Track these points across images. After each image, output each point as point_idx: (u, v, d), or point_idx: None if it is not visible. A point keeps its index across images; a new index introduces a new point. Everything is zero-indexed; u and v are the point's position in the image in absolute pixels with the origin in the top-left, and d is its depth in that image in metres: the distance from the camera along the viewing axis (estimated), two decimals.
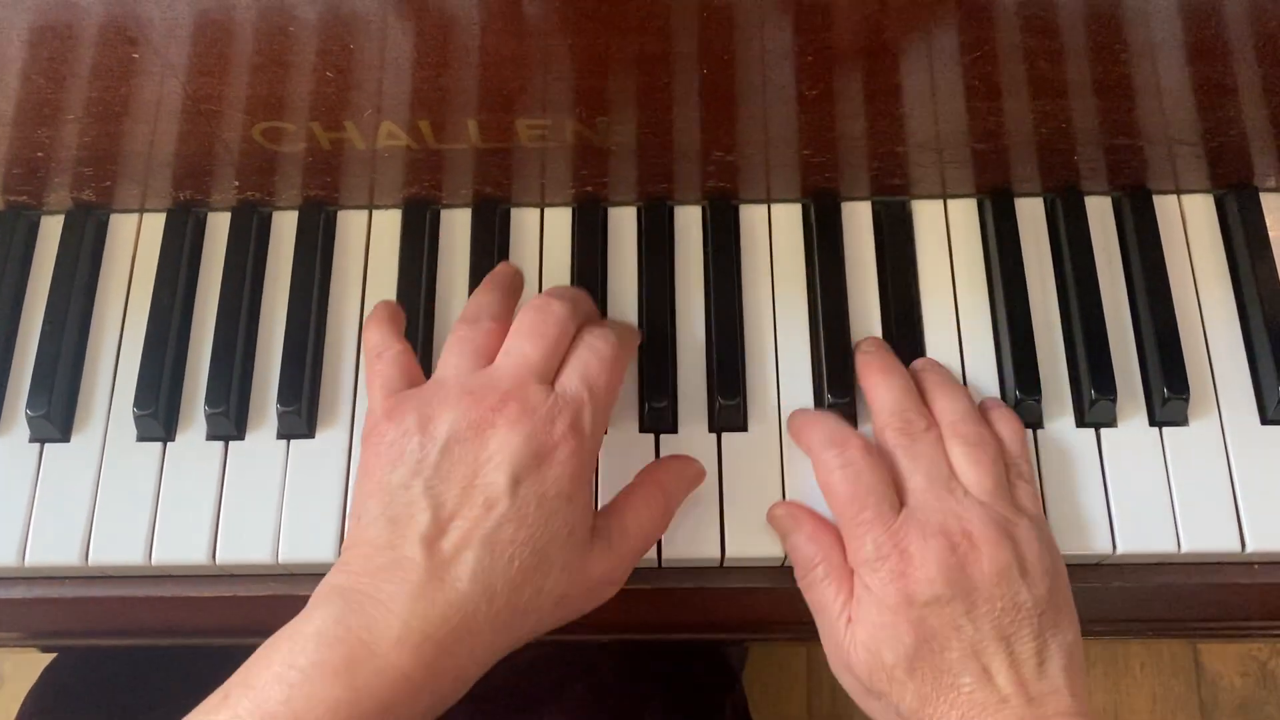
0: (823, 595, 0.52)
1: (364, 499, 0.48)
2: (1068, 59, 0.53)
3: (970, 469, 0.52)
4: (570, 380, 0.50)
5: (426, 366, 0.59)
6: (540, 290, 0.61)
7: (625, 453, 0.56)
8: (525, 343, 0.50)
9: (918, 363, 0.58)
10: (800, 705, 1.30)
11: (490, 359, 0.51)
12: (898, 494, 0.52)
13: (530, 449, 0.47)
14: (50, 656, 0.78)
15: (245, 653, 0.76)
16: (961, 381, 0.58)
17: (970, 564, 0.49)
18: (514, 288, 0.57)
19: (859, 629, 0.50)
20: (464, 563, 0.46)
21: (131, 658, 0.77)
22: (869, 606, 0.50)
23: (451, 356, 0.51)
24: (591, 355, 0.51)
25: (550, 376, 0.50)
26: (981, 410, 0.56)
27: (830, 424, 0.54)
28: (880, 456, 0.53)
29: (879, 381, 0.56)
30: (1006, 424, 0.55)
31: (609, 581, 0.51)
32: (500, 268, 0.59)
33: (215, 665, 0.75)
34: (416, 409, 0.48)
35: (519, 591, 0.47)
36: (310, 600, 0.47)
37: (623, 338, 0.53)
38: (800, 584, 0.53)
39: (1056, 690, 0.48)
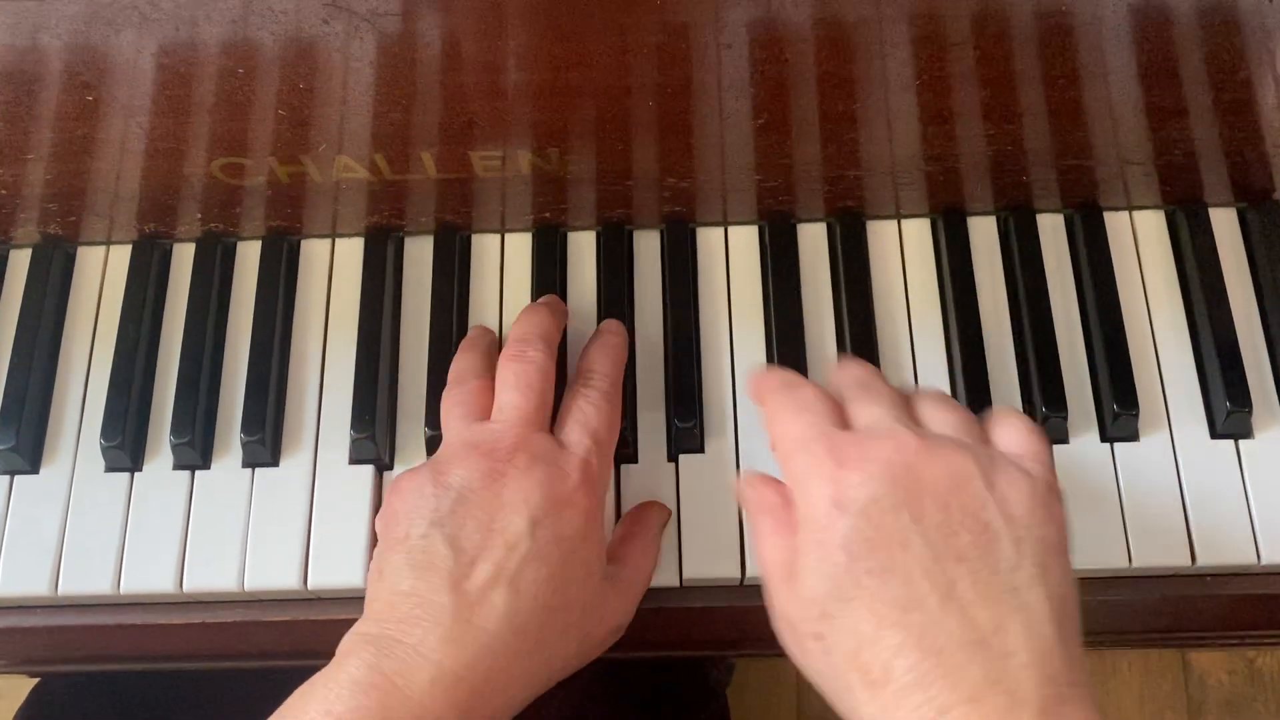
0: (762, 549, 0.46)
1: (385, 554, 0.49)
2: (1018, 84, 0.54)
3: (937, 410, 0.46)
4: (572, 432, 0.51)
5: (392, 393, 0.60)
6: (501, 315, 0.62)
7: None
8: (516, 395, 0.51)
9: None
10: (790, 711, 1.31)
11: (484, 414, 0.52)
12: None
13: (544, 494, 0.48)
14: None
15: (220, 675, 0.77)
16: None
17: (921, 465, 0.41)
18: (490, 347, 0.58)
19: (793, 563, 0.43)
20: (491, 604, 0.46)
21: (116, 678, 0.78)
22: (802, 535, 0.43)
23: (451, 420, 0.53)
24: (588, 405, 0.52)
25: (546, 425, 0.52)
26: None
27: (788, 374, 0.50)
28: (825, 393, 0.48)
29: (841, 366, 0.51)
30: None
31: (620, 625, 0.53)
32: (473, 331, 0.59)
33: (198, 684, 0.76)
34: (429, 468, 0.50)
35: (545, 630, 0.47)
36: (339, 649, 0.48)
37: (613, 369, 0.55)
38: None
39: (1047, 648, 0.38)
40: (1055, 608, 0.39)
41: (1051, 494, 0.43)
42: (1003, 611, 0.38)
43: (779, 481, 0.47)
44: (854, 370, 0.51)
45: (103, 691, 0.77)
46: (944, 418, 0.45)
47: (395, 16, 0.46)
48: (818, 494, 0.42)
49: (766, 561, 0.45)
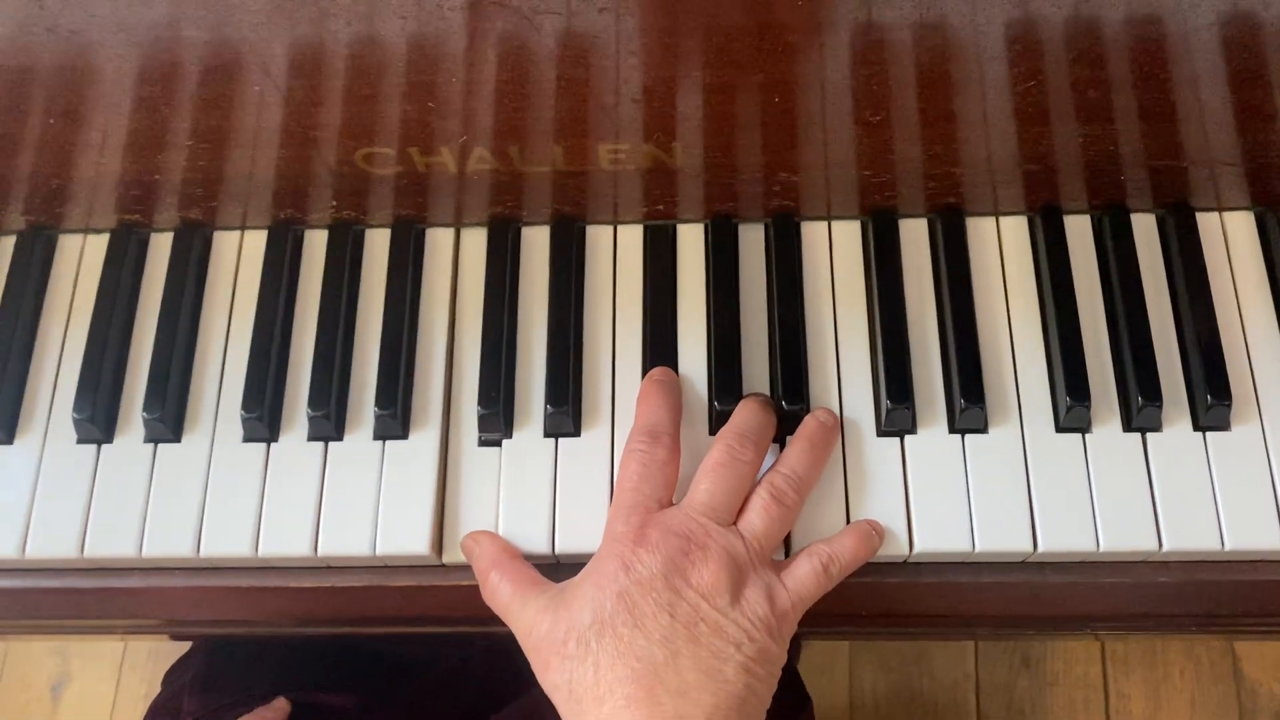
0: (502, 591, 0.56)
1: None
2: (1114, 88, 0.57)
3: (756, 513, 0.56)
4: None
5: (511, 373, 0.63)
6: (614, 304, 0.65)
7: (698, 454, 0.60)
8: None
9: (821, 412, 0.60)
10: (842, 703, 1.33)
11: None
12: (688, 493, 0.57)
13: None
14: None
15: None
16: (1013, 383, 0.62)
17: (691, 570, 0.53)
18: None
19: (559, 595, 0.54)
20: None
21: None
22: (586, 575, 0.54)
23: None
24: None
25: None
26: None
27: (657, 413, 0.59)
28: (673, 464, 0.57)
29: (748, 402, 0.60)
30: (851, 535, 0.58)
31: None
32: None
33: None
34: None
35: None
36: None
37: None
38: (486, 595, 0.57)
39: (725, 713, 0.51)
40: (746, 696, 0.51)
41: (786, 620, 0.54)
42: (706, 681, 0.51)
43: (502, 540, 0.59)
44: (750, 413, 0.59)
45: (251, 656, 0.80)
46: (757, 524, 0.56)
47: (558, 15, 0.49)
48: (614, 553, 0.54)
49: (527, 597, 0.55)
